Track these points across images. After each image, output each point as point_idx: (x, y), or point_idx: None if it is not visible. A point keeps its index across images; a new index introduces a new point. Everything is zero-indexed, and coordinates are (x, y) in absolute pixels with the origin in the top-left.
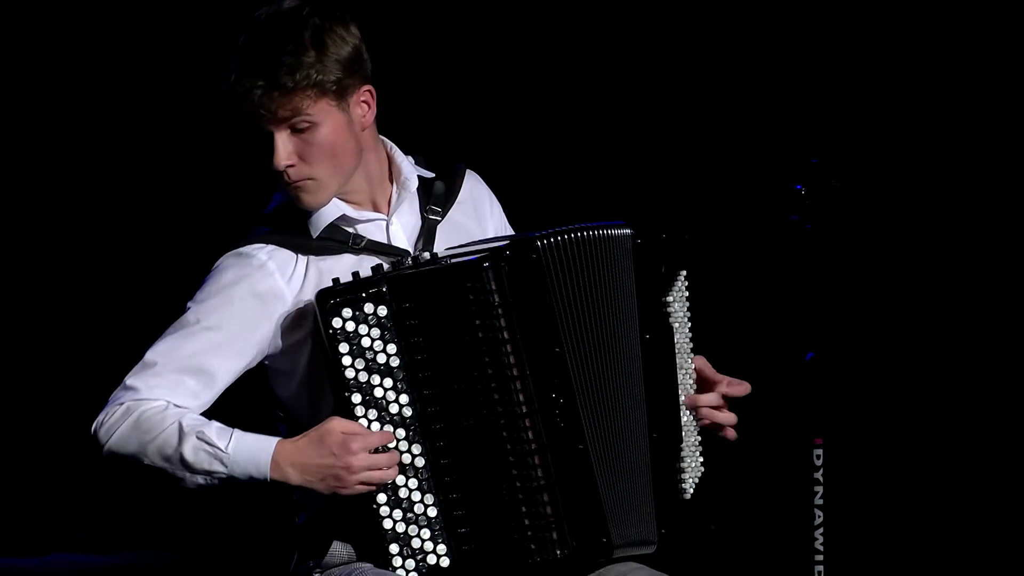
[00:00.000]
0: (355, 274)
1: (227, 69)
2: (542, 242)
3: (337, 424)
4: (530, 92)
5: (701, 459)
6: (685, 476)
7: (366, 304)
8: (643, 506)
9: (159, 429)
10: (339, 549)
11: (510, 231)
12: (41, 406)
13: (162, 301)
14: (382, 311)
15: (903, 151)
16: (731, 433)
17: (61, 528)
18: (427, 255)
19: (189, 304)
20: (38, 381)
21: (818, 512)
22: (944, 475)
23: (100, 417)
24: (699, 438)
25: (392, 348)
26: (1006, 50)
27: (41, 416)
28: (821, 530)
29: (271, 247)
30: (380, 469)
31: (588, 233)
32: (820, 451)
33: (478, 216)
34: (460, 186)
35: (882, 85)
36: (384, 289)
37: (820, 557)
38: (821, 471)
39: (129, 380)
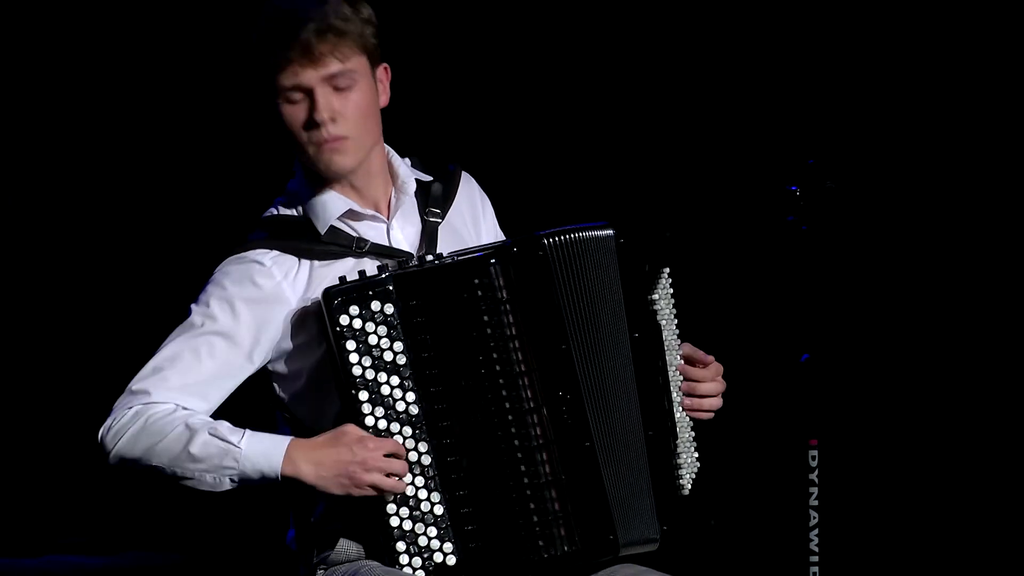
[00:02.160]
0: (361, 272)
1: (267, 16)
2: (548, 240)
3: (353, 427)
4: (519, 92)
5: (696, 454)
6: (682, 472)
7: (373, 302)
8: (644, 503)
9: (168, 430)
10: (345, 546)
11: (500, 232)
12: (39, 407)
13: (159, 303)
14: (389, 309)
15: (899, 152)
16: (706, 415)
17: (55, 530)
18: (431, 256)
19: (193, 308)
20: (36, 382)
21: (813, 513)
22: (939, 476)
23: (107, 423)
24: (693, 433)
25: (399, 346)
26: (1003, 50)
27: (37, 417)
28: (816, 531)
29: (273, 252)
30: (393, 475)
31: (582, 234)
32: (815, 452)
33: (473, 217)
34: (458, 187)
35: (878, 86)
36: (391, 287)
37: (815, 558)
38: (816, 472)
39: (136, 385)
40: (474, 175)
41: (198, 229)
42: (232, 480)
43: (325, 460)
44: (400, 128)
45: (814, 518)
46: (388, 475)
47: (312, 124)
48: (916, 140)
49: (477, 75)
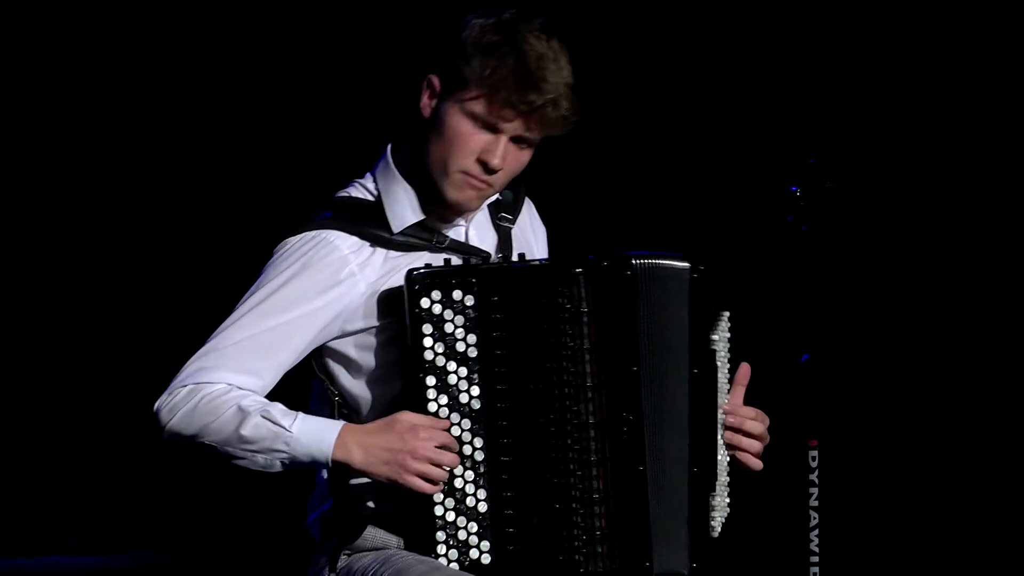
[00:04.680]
0: (447, 260)
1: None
2: (636, 261)
3: (407, 415)
4: None
5: (728, 500)
6: (715, 514)
7: (455, 290)
8: (680, 537)
9: (221, 410)
10: (373, 533)
11: (547, 251)
12: (39, 407)
13: (159, 304)
14: (469, 300)
15: (898, 152)
16: (754, 462)
17: (55, 530)
18: (515, 256)
19: (257, 282)
20: (36, 382)
21: (813, 514)
22: (940, 476)
23: (163, 398)
24: (728, 479)
25: (472, 338)
26: (1002, 51)
27: (37, 417)
28: (816, 531)
29: (348, 236)
30: (442, 466)
31: (663, 261)
32: (815, 452)
33: (533, 230)
34: (524, 195)
35: (878, 86)
36: (474, 279)
37: (815, 559)
38: (816, 473)
39: (195, 361)
40: None
41: (197, 230)
42: (283, 463)
43: (376, 446)
44: None
45: (814, 518)
46: (436, 466)
47: (478, 159)
48: (916, 140)
49: None
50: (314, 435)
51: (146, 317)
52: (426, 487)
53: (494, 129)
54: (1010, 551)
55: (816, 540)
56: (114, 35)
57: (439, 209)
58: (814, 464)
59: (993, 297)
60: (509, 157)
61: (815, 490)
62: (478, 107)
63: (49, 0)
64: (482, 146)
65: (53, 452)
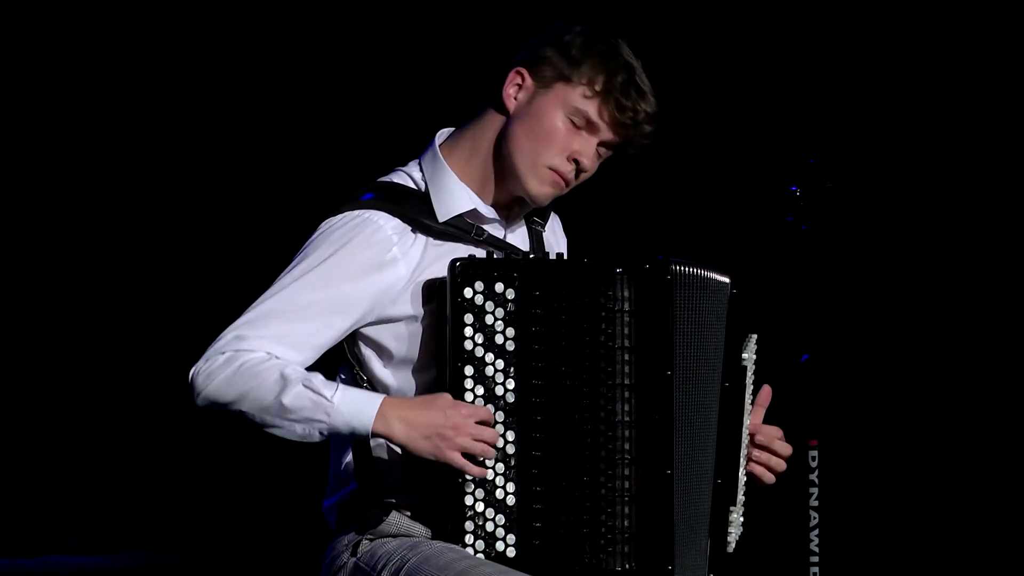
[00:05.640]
0: (490, 253)
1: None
2: (676, 267)
3: (447, 394)
4: None
5: (743, 518)
6: (731, 529)
7: (497, 283)
8: (700, 546)
9: (262, 377)
10: (396, 519)
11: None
12: (39, 407)
13: (159, 304)
14: (510, 293)
15: (898, 152)
16: (770, 477)
17: (55, 530)
18: (553, 254)
19: (298, 258)
20: (36, 382)
21: (813, 513)
22: (939, 476)
23: (200, 364)
24: (744, 498)
25: (511, 332)
26: (1002, 51)
27: (37, 418)
28: (816, 531)
29: (393, 218)
30: (483, 442)
31: (705, 272)
32: (815, 452)
33: (556, 241)
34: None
35: (878, 86)
36: (516, 273)
37: (815, 558)
38: (816, 472)
39: (233, 330)
40: None
41: (199, 230)
42: (322, 433)
43: (418, 420)
44: None
45: (814, 518)
46: (478, 442)
47: (570, 158)
48: (916, 140)
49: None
50: (355, 406)
51: (146, 317)
52: (467, 465)
53: (591, 131)
54: (1010, 551)
55: (816, 540)
56: (114, 35)
57: (501, 200)
58: (814, 464)
59: (993, 297)
60: (596, 162)
61: (815, 490)
62: (585, 106)
63: (49, 0)
64: (576, 145)
65: (53, 452)
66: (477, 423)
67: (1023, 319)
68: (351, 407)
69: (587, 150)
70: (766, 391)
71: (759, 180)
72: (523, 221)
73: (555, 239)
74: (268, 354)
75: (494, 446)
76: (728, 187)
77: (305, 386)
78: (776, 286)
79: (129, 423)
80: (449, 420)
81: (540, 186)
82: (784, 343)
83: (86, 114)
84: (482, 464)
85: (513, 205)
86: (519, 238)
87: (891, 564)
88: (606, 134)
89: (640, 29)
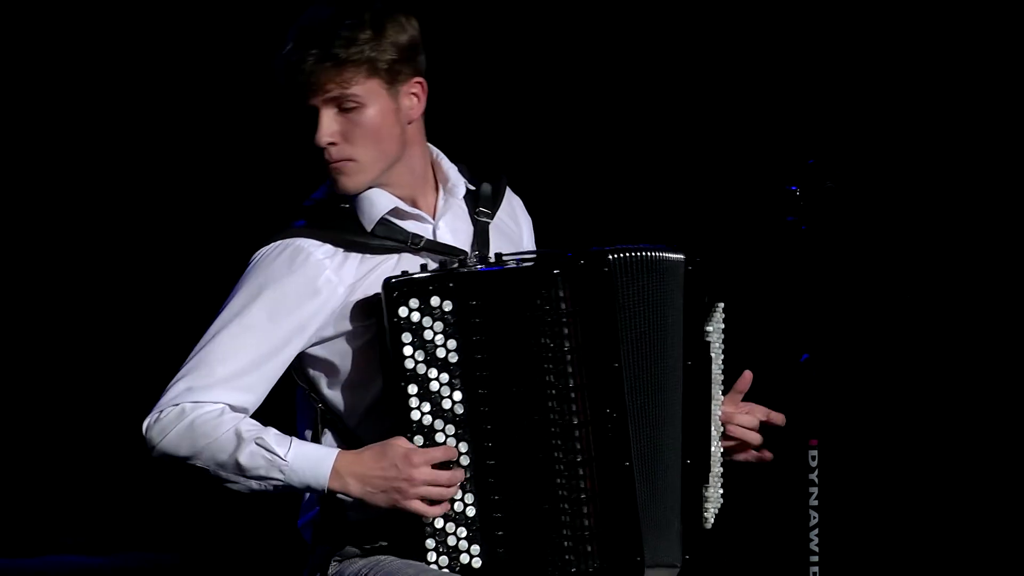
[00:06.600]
0: (423, 266)
1: (285, 40)
2: (613, 256)
3: (400, 441)
4: (517, 91)
5: (721, 490)
6: (708, 505)
7: (433, 297)
8: (672, 529)
9: (216, 434)
10: (361, 541)
11: (534, 244)
12: (39, 407)
13: (159, 304)
14: (447, 306)
15: (898, 152)
16: (753, 454)
17: (55, 530)
18: (491, 256)
19: (237, 295)
20: (36, 382)
21: (813, 513)
22: (939, 476)
23: (153, 416)
24: (722, 469)
25: (452, 344)
26: (1002, 50)
27: (37, 417)
28: (816, 531)
29: (322, 242)
30: (441, 485)
31: (651, 254)
32: (815, 452)
33: (517, 223)
34: (505, 188)
35: (878, 86)
36: (452, 285)
37: (815, 558)
38: (816, 472)
39: (182, 380)
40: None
41: (193, 231)
42: (276, 488)
43: (372, 475)
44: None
45: (814, 518)
46: (435, 486)
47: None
48: (916, 140)
49: (493, 80)
50: (309, 465)
51: (145, 318)
52: (429, 510)
53: (308, 111)
54: (1010, 551)
55: (816, 540)
56: (115, 35)
57: (391, 189)
58: (814, 464)
59: (993, 297)
60: (341, 127)
61: (815, 490)
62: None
63: (50, 0)
64: (310, 135)
65: (53, 452)
66: (435, 466)
67: (1023, 319)
68: (304, 465)
69: (316, 133)
70: (747, 377)
71: (759, 180)
72: (467, 214)
73: (514, 224)
74: (224, 406)
75: (452, 485)
76: (728, 187)
77: (258, 444)
78: (776, 286)
79: (129, 423)
80: (403, 473)
81: (333, 177)
82: (784, 343)
83: (86, 114)
84: (441, 504)
85: (425, 196)
86: (461, 228)
87: (891, 564)
88: (310, 102)
89: (640, 29)
